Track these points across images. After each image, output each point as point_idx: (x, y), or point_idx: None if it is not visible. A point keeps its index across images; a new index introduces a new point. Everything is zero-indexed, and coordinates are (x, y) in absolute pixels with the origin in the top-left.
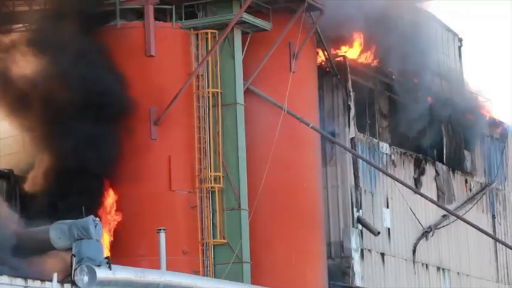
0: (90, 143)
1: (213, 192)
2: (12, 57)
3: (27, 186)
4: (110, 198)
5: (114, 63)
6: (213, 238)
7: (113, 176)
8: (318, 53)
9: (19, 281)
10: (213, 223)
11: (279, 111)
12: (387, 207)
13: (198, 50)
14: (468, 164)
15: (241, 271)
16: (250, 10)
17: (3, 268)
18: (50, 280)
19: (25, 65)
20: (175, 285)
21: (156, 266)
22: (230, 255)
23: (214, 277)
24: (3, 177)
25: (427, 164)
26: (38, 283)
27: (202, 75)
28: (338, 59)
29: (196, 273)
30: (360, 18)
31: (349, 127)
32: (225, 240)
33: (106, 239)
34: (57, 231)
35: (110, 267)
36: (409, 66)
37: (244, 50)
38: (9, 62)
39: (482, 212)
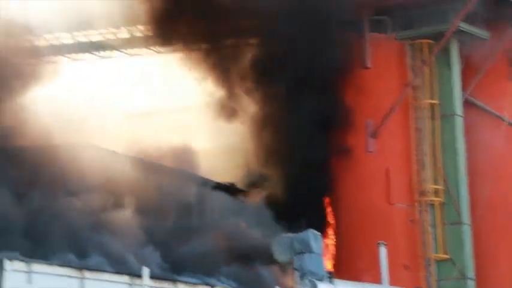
0: (311, 161)
1: (431, 206)
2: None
3: (250, 201)
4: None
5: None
6: (434, 253)
7: (331, 191)
8: None
9: None
10: (433, 237)
11: (500, 122)
12: None
13: (413, 61)
14: None
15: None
16: (465, 17)
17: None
18: None
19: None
20: None
21: (376, 280)
22: (453, 271)
23: None
24: (225, 190)
25: None
26: None
27: (418, 86)
28: None
29: None
30: None
31: None
32: (447, 256)
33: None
34: (280, 245)
35: (331, 282)
36: None
37: (463, 60)
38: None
39: None
